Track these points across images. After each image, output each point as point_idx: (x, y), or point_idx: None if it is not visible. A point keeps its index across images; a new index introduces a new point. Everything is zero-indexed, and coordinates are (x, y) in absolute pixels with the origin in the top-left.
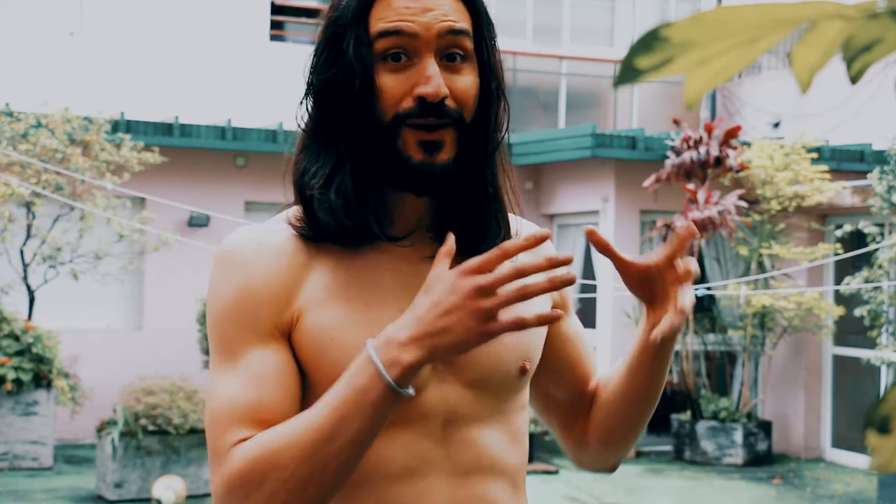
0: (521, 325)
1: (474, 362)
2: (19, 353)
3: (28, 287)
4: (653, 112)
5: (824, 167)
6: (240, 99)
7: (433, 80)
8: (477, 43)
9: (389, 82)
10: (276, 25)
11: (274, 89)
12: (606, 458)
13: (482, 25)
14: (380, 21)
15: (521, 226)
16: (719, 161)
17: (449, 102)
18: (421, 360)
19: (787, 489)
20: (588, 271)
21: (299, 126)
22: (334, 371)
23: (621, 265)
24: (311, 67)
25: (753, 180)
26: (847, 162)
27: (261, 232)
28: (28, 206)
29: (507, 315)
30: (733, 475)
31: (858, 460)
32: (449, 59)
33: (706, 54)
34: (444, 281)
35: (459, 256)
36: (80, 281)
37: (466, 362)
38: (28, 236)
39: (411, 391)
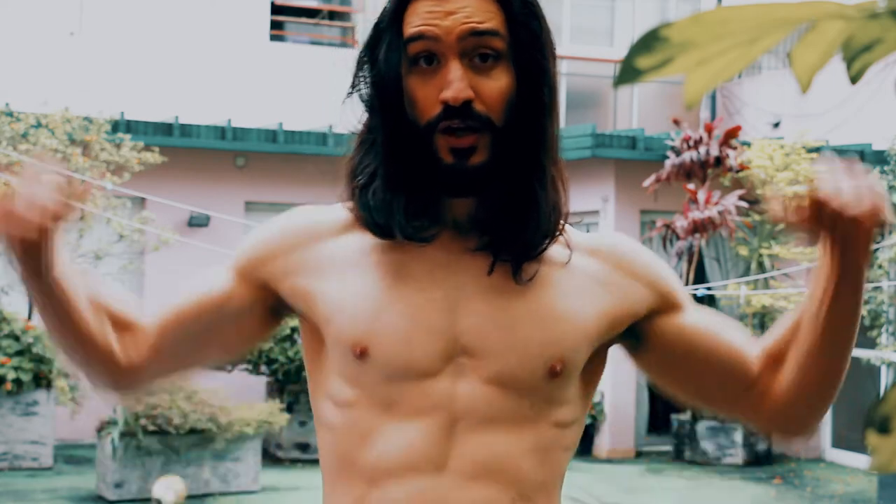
0: None
1: (495, 354)
2: (19, 353)
3: None
4: (653, 112)
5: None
6: (240, 99)
7: (454, 84)
8: (513, 43)
9: (420, 89)
10: (276, 25)
11: (274, 89)
12: (809, 420)
13: (518, 24)
14: (409, 26)
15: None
16: (719, 161)
17: (477, 106)
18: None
19: (787, 489)
20: None
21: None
22: (340, 337)
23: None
24: (354, 68)
25: (753, 180)
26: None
27: (314, 211)
28: None
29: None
30: (733, 475)
31: (858, 460)
32: (482, 60)
33: (706, 54)
34: None
35: (497, 254)
36: None
37: (487, 354)
38: None
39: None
